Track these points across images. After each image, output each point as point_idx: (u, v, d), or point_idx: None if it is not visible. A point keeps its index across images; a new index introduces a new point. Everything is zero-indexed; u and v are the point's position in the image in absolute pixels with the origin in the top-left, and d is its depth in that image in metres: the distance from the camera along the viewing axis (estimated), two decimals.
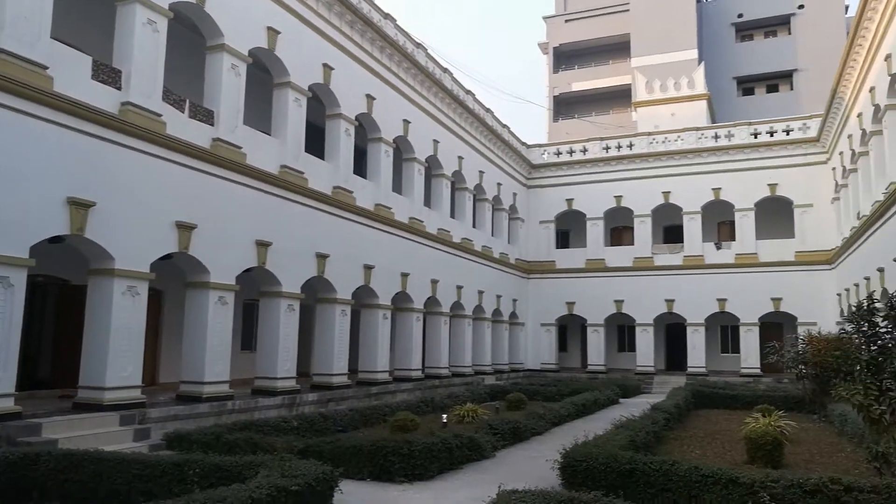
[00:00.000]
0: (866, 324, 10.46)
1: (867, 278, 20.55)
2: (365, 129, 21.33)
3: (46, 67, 11.05)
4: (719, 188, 30.70)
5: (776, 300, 29.09)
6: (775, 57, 45.55)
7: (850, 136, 23.52)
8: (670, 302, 30.87)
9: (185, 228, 13.68)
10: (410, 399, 19.81)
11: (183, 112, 14.04)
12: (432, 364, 24.64)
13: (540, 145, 35.63)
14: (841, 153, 25.50)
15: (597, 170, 33.44)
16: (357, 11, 19.54)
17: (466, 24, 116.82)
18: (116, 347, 11.97)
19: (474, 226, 28.70)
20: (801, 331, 24.87)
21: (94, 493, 8.26)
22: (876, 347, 10.18)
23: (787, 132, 30.45)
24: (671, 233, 33.29)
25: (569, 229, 35.59)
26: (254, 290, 16.80)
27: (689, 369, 29.78)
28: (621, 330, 34.55)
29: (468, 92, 27.84)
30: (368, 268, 20.10)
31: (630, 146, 33.05)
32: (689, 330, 30.48)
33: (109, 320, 11.93)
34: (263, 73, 17.52)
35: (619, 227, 34.40)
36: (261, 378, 16.26)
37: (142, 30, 12.88)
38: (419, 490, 9.45)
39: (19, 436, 9.95)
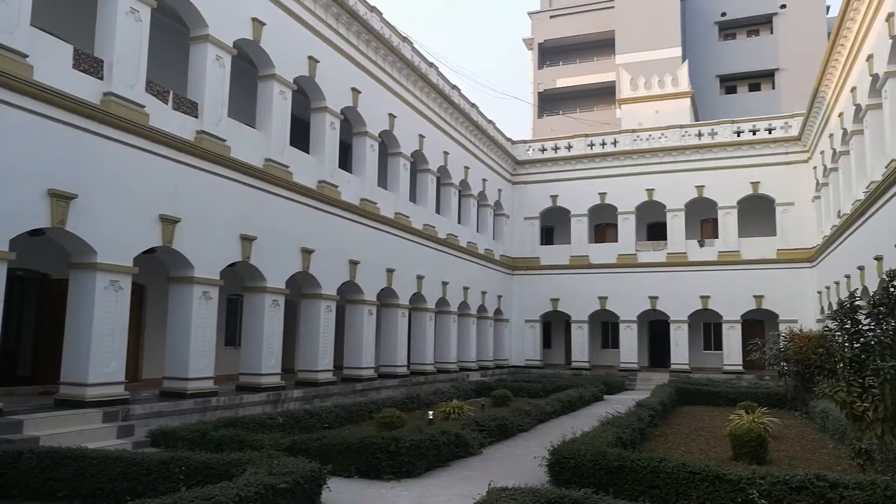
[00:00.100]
0: (849, 321, 10.55)
1: (847, 276, 20.84)
2: (350, 123, 21.18)
3: (26, 56, 10.80)
4: (703, 186, 30.92)
5: (758, 298, 29.40)
6: (758, 56, 45.97)
7: (831, 136, 23.79)
8: (654, 299, 31.08)
9: (168, 222, 13.48)
10: (396, 395, 19.77)
11: (166, 103, 13.81)
12: (417, 360, 24.58)
13: (525, 141, 35.61)
14: (822, 152, 25.79)
15: (581, 166, 33.52)
16: (343, 4, 19.38)
17: (453, 19, 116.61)
18: (99, 343, 11.76)
19: (460, 221, 28.66)
20: (782, 328, 25.17)
21: (77, 491, 8.13)
22: (859, 345, 10.28)
23: (770, 131, 30.72)
24: (655, 230, 33.54)
25: (553, 226, 35.65)
26: (238, 285, 16.61)
27: (673, 366, 30.01)
28: (605, 327, 34.78)
29: (454, 87, 27.77)
30: (354, 263, 19.99)
31: (614, 143, 33.17)
32: (672, 327, 30.71)
33: (92, 315, 11.72)
34: (248, 65, 17.32)
35: (603, 224, 34.59)
36: (245, 374, 16.10)
37: (124, 18, 12.64)
38: (407, 487, 9.41)
39: None
